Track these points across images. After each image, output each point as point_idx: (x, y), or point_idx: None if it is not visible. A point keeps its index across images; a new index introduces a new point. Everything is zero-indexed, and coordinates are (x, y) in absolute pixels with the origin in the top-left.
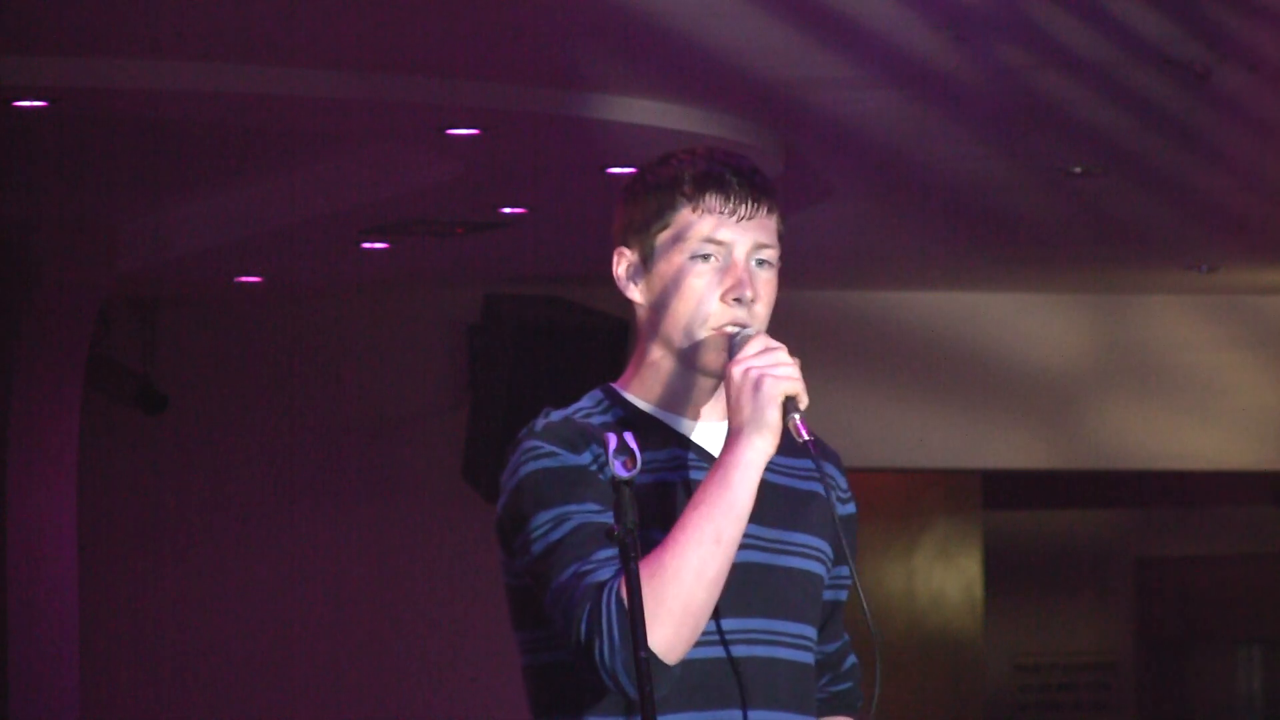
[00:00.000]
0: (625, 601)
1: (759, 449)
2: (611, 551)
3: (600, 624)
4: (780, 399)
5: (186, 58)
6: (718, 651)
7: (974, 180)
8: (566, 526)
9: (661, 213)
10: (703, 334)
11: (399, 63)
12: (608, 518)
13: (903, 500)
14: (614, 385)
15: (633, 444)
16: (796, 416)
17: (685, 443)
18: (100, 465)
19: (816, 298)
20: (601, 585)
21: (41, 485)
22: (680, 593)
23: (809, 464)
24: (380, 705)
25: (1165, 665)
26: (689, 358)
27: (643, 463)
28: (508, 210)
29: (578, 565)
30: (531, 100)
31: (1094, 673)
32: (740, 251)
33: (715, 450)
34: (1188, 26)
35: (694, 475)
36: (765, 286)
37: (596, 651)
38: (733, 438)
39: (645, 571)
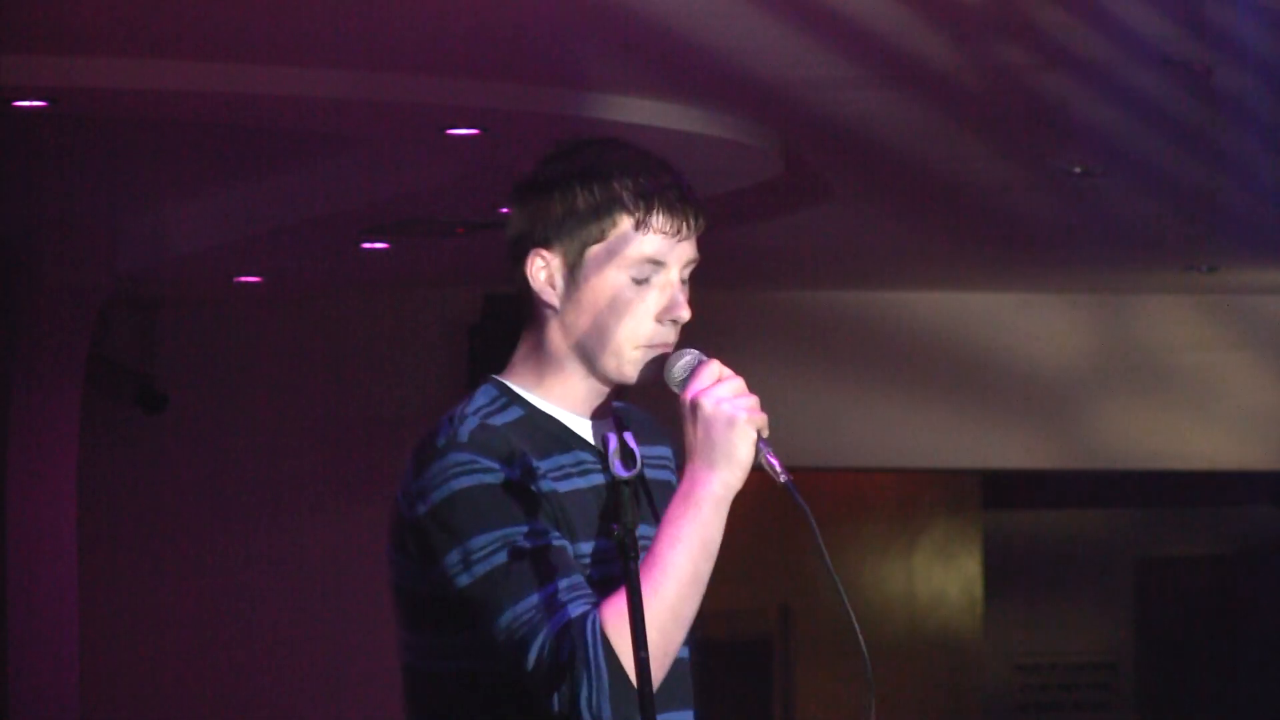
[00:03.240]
0: (611, 642)
1: (731, 485)
2: (570, 580)
3: (588, 666)
4: (754, 436)
5: (186, 58)
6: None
7: (974, 180)
8: (514, 549)
9: (598, 224)
10: (632, 354)
11: (399, 63)
12: (554, 539)
13: (903, 500)
14: (505, 380)
15: (632, 444)
16: (770, 454)
17: (584, 444)
18: (100, 465)
19: (816, 298)
20: (580, 621)
21: (41, 485)
22: (658, 634)
23: (663, 450)
24: (380, 704)
25: (1165, 665)
26: (608, 370)
27: (551, 467)
28: (508, 210)
29: (541, 595)
30: (531, 100)
31: (1094, 673)
32: (675, 272)
33: (601, 449)
34: (1188, 26)
35: (595, 480)
36: (687, 298)
37: (583, 692)
38: (704, 473)
39: (620, 610)
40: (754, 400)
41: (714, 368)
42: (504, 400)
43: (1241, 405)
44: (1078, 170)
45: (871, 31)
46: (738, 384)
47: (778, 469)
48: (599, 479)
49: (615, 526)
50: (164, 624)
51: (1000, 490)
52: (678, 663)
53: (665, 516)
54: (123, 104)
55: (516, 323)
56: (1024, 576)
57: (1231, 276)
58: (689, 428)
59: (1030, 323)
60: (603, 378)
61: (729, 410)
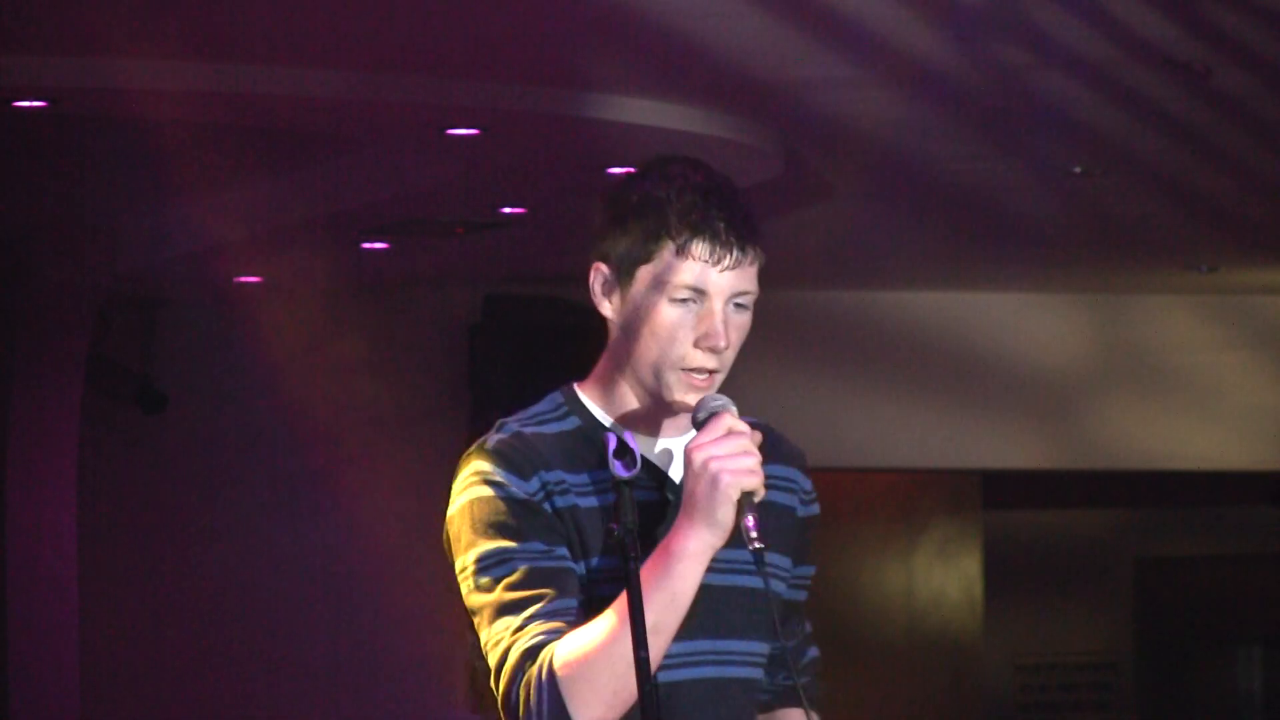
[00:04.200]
0: (558, 677)
1: (708, 543)
2: (551, 606)
3: (529, 699)
4: (736, 497)
5: (186, 58)
6: (663, 676)
7: (974, 180)
8: (507, 568)
9: (645, 246)
10: (670, 376)
11: (399, 63)
12: (550, 560)
13: (903, 500)
14: (578, 387)
15: (632, 444)
16: (750, 519)
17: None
18: (100, 465)
19: (816, 298)
20: (535, 651)
21: (41, 485)
22: (612, 680)
23: (784, 471)
24: (380, 705)
25: (1165, 665)
26: (650, 390)
27: (581, 482)
28: (508, 210)
29: (513, 617)
30: (531, 100)
31: (1094, 673)
32: (718, 300)
33: (664, 467)
34: (1188, 26)
35: (640, 496)
36: (736, 331)
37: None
38: (683, 527)
39: (579, 650)
40: (750, 462)
41: (724, 422)
42: (565, 409)
43: (1241, 405)
44: (1078, 170)
45: (871, 31)
46: (739, 443)
47: (753, 534)
48: (643, 495)
49: (614, 526)
50: (164, 624)
51: (1000, 490)
52: (746, 684)
53: (645, 563)
54: (123, 104)
55: (516, 323)
56: (1024, 576)
57: (1231, 276)
58: (685, 480)
59: (1030, 323)
60: (650, 397)
61: (714, 469)
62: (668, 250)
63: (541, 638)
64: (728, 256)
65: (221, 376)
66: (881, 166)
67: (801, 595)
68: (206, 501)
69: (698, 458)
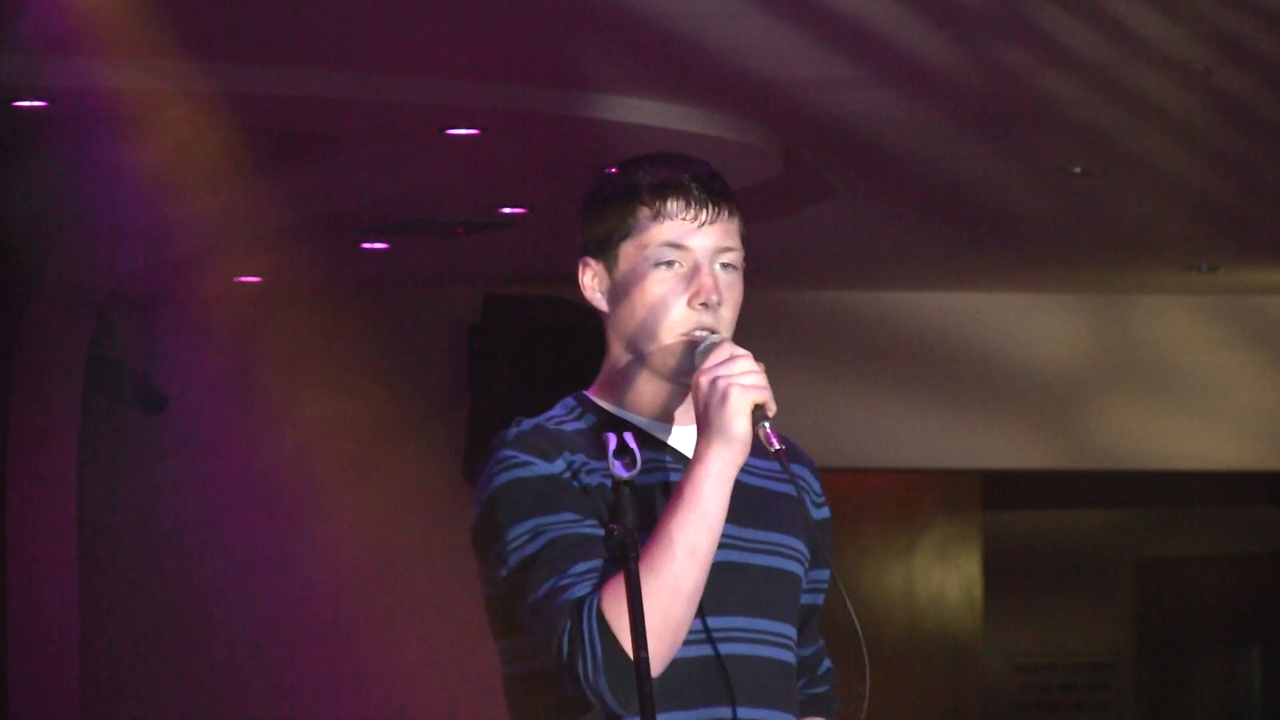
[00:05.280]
0: (605, 616)
1: (728, 460)
2: (589, 565)
3: (582, 641)
4: (749, 409)
5: (186, 58)
6: (697, 650)
7: (974, 180)
8: (542, 539)
9: (623, 222)
10: (669, 340)
11: (399, 63)
12: (583, 527)
13: (903, 500)
14: (586, 393)
15: (632, 444)
16: (766, 425)
17: (660, 445)
18: (100, 465)
19: (816, 298)
20: (580, 601)
21: (41, 485)
22: (657, 607)
23: (778, 466)
24: (380, 706)
25: (1165, 665)
26: (658, 365)
27: (605, 465)
28: (508, 210)
29: (554, 580)
30: (531, 100)
31: (1094, 673)
32: (703, 256)
33: (689, 452)
34: (1188, 26)
35: (672, 478)
36: (729, 290)
37: (580, 669)
38: (701, 449)
39: (617, 590)
40: (756, 377)
41: (725, 349)
42: (579, 410)
43: (1241, 405)
44: (1078, 170)
45: (871, 31)
46: (744, 363)
47: (773, 441)
48: (676, 477)
49: (615, 526)
50: (164, 624)
51: (1000, 490)
52: (775, 664)
53: (676, 491)
54: (123, 104)
55: (516, 323)
56: (1024, 576)
57: (1231, 276)
58: (695, 408)
59: (1030, 323)
60: (660, 374)
61: (722, 385)
62: (644, 217)
63: (584, 590)
64: (704, 211)
65: (221, 376)
66: (881, 166)
67: (819, 600)
68: (206, 501)
69: (704, 380)
